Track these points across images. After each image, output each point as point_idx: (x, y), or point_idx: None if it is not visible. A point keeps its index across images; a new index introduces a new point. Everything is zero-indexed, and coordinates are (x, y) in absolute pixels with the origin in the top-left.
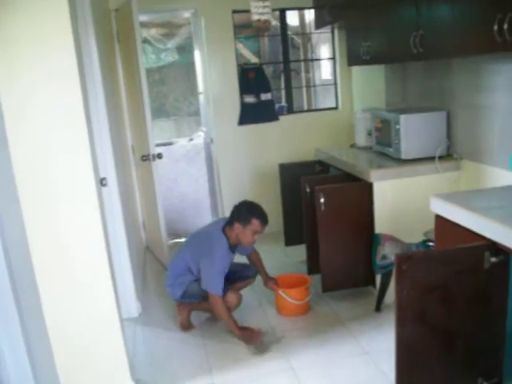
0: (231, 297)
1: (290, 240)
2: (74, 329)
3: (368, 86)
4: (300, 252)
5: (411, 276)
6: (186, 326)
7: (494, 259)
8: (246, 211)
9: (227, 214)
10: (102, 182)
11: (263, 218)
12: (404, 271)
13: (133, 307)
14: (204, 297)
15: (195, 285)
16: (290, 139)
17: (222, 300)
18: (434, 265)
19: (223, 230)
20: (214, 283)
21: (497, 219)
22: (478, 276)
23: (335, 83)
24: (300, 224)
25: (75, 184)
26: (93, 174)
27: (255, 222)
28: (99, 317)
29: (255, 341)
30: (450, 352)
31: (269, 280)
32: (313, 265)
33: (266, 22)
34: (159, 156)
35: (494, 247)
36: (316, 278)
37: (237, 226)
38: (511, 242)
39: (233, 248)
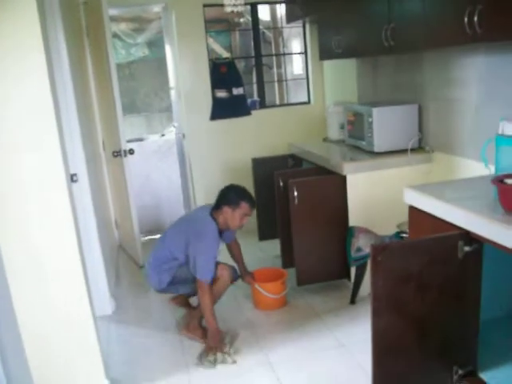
0: (223, 269)
1: (264, 235)
2: (47, 328)
3: (340, 79)
4: (275, 246)
5: (386, 267)
6: (201, 334)
7: (467, 248)
8: (235, 195)
9: None
10: (72, 178)
11: (252, 201)
12: (379, 262)
13: (106, 305)
14: (193, 281)
15: (184, 269)
16: (262, 134)
17: (209, 287)
18: (408, 255)
19: (211, 215)
20: (204, 269)
21: (470, 209)
22: (453, 265)
23: (307, 77)
24: (274, 218)
25: (45, 180)
26: (63, 170)
27: (244, 206)
28: (72, 315)
29: (216, 345)
30: (426, 341)
31: (246, 275)
32: (287, 259)
33: (240, 13)
34: (131, 152)
35: (468, 236)
36: (291, 272)
37: (225, 210)
38: (484, 231)
39: (220, 233)
